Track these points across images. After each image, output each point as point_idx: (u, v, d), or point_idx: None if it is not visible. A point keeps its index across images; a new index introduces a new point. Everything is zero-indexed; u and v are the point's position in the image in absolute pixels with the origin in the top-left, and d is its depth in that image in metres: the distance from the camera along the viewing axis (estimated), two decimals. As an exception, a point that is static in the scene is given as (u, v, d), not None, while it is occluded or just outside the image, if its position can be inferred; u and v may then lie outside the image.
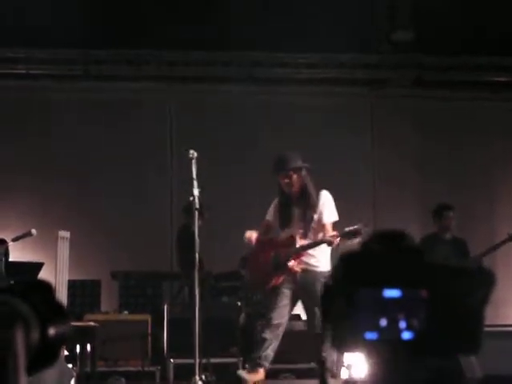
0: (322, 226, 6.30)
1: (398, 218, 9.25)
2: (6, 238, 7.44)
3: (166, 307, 7.55)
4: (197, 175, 6.04)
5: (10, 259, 7.87)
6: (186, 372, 6.14)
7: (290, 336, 7.71)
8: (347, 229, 6.20)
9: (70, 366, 6.58)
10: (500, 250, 8.20)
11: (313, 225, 6.32)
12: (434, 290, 1.32)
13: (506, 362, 6.15)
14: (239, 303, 8.10)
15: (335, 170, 10.12)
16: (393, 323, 1.32)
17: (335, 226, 6.37)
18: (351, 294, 1.30)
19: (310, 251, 6.27)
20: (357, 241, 6.16)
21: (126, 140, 9.86)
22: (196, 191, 5.98)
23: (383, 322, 1.33)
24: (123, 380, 7.24)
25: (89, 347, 6.64)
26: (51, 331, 1.42)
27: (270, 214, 6.50)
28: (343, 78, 10.32)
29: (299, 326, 7.84)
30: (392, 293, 1.33)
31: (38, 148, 9.78)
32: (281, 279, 6.24)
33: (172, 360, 7.22)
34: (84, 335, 6.54)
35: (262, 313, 7.62)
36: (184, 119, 10.07)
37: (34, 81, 9.91)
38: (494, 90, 10.36)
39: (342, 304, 1.32)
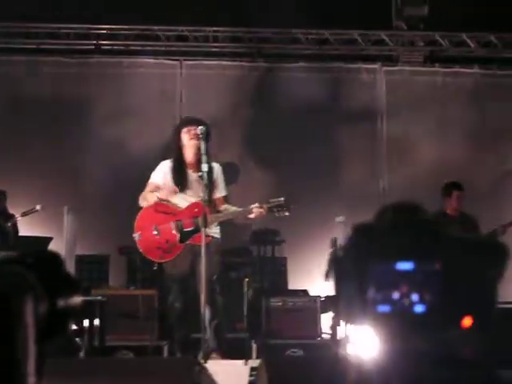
0: (217, 199, 6.22)
1: (407, 196, 9.20)
2: (14, 214, 7.46)
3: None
4: (206, 151, 6.00)
5: (19, 234, 7.89)
6: (193, 347, 6.16)
7: (297, 311, 7.74)
8: (272, 201, 6.05)
9: (78, 340, 6.61)
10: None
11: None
12: (447, 264, 1.30)
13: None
14: (247, 279, 8.10)
15: (344, 147, 10.09)
16: (405, 296, 1.31)
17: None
18: (364, 267, 1.29)
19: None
20: (285, 214, 6.05)
21: (134, 114, 9.82)
22: (205, 167, 5.94)
23: (395, 295, 1.31)
24: (131, 354, 7.27)
25: (96, 322, 6.66)
26: (60, 303, 1.41)
27: (160, 177, 6.31)
28: (354, 55, 10.27)
29: (307, 301, 7.85)
30: (405, 265, 1.32)
31: (47, 124, 9.76)
32: (181, 249, 6.14)
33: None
34: (92, 310, 6.55)
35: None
36: (193, 95, 10.03)
37: (41, 55, 9.91)
38: (505, 65, 10.30)
39: (354, 276, 1.31)
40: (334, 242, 8.75)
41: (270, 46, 10.16)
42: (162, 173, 6.32)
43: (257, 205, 6.07)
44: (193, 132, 6.23)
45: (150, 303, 7.61)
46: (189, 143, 6.28)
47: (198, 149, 6.11)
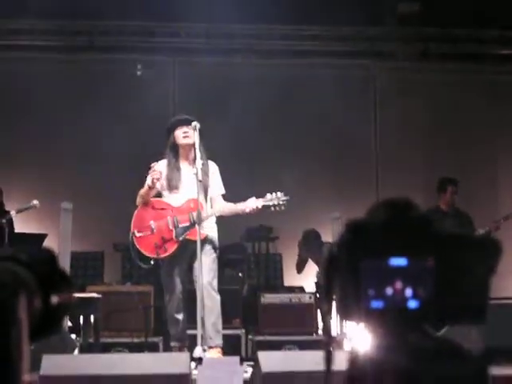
0: (214, 197, 6.27)
1: (401, 193, 9.21)
2: (10, 210, 7.44)
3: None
4: (199, 147, 6.00)
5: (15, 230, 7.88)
6: (189, 343, 6.16)
7: (292, 308, 7.75)
8: (269, 196, 6.10)
9: (74, 336, 6.61)
10: (504, 224, 8.20)
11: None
12: (440, 259, 1.31)
13: (508, 334, 6.14)
14: (242, 275, 8.11)
15: (338, 144, 10.10)
16: (399, 292, 1.31)
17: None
18: (357, 263, 1.29)
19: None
20: (281, 209, 6.09)
21: (128, 112, 9.80)
22: (199, 163, 5.93)
23: (389, 291, 1.32)
24: (126, 351, 7.27)
25: (92, 318, 6.66)
26: (54, 299, 1.42)
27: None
28: (347, 51, 10.26)
29: (302, 297, 7.86)
30: (398, 261, 1.32)
31: (43, 121, 9.76)
32: (175, 246, 6.13)
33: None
34: (87, 306, 6.55)
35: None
36: (187, 91, 10.02)
37: (39, 52, 9.89)
38: (500, 62, 10.31)
39: (348, 273, 1.31)
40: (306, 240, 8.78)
41: (262, 43, 10.14)
42: (159, 173, 6.32)
43: (253, 199, 6.09)
44: (185, 131, 6.23)
45: (146, 299, 7.62)
46: (182, 142, 6.28)
47: (192, 147, 6.12)
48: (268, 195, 6.14)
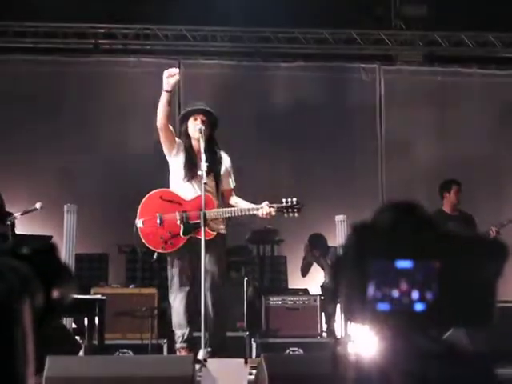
0: (225, 190, 6.11)
1: (407, 195, 9.20)
2: (14, 212, 7.44)
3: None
4: (204, 150, 5.95)
5: (19, 232, 7.87)
6: (194, 345, 6.15)
7: (297, 310, 7.74)
8: (284, 202, 5.96)
9: (78, 338, 6.61)
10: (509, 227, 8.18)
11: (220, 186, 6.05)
12: (446, 261, 1.31)
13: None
14: (246, 278, 8.10)
15: (343, 147, 10.09)
16: (405, 294, 1.31)
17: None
18: (363, 265, 1.29)
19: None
20: (295, 216, 5.99)
21: (132, 115, 9.81)
22: (204, 166, 5.86)
23: (395, 294, 1.32)
24: (131, 353, 7.27)
25: (96, 320, 6.66)
26: (55, 293, 1.42)
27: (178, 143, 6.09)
28: (353, 54, 10.27)
29: (306, 300, 7.85)
30: (404, 264, 1.32)
31: (47, 123, 9.76)
32: (182, 242, 5.94)
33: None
34: (91, 308, 6.54)
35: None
36: (191, 94, 10.02)
37: (43, 55, 9.90)
38: (504, 65, 10.30)
39: (354, 275, 1.31)
40: (311, 244, 8.77)
41: (269, 46, 10.16)
42: (175, 147, 6.14)
43: (267, 203, 5.97)
44: (198, 122, 6.06)
45: (150, 301, 7.62)
46: (195, 133, 6.07)
47: (206, 137, 6.02)
48: (283, 201, 6.03)
